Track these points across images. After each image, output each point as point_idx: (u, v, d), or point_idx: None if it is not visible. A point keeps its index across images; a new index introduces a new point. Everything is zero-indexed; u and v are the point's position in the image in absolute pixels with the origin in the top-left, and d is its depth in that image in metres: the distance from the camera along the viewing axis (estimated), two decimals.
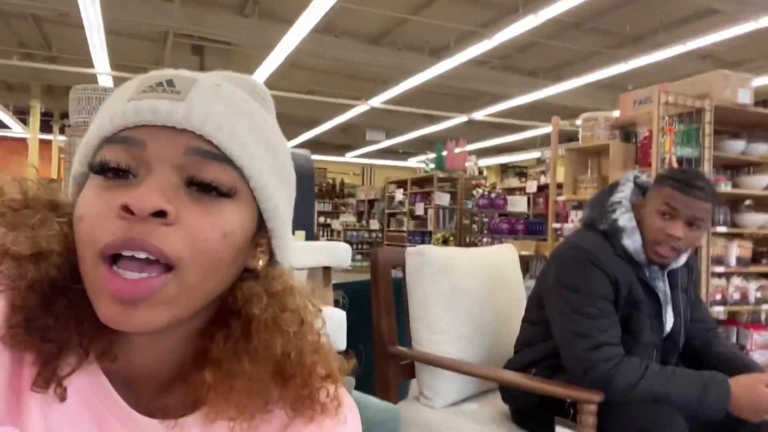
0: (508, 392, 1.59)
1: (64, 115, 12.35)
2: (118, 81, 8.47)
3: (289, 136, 13.97)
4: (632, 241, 1.45)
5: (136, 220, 0.40)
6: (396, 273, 1.81)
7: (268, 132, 0.49)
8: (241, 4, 7.10)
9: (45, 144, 12.25)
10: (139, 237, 0.40)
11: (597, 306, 1.40)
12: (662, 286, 1.50)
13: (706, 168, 3.23)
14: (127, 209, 0.40)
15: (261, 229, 0.50)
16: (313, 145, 14.31)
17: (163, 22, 7.13)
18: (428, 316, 1.68)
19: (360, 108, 10.32)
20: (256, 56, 7.80)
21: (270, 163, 0.48)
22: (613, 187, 1.58)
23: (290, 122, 12.22)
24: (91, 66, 8.07)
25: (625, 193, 1.53)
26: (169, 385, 0.50)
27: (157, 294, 0.42)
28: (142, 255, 0.41)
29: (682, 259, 1.52)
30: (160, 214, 0.41)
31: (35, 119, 10.66)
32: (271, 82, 8.52)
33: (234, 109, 0.46)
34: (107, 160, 0.43)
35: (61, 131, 12.21)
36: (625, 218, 1.47)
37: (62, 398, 0.44)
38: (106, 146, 0.44)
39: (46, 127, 12.08)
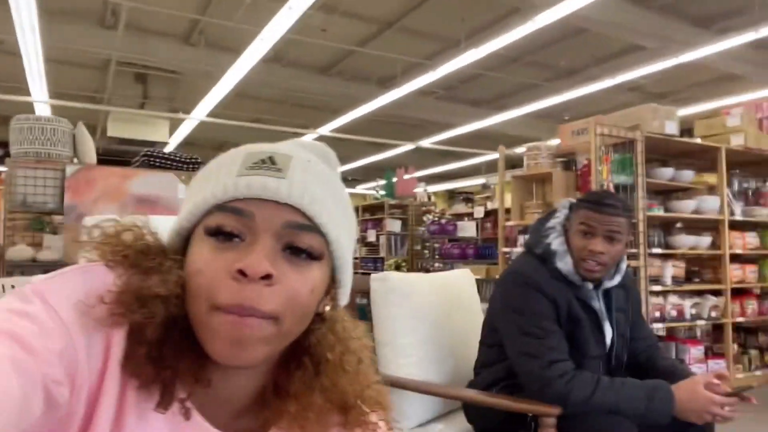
0: (472, 412, 1.66)
1: (0, 145, 11.79)
2: (57, 110, 8.19)
3: None
4: (564, 263, 1.57)
5: (248, 282, 0.49)
6: (360, 299, 1.85)
7: (343, 196, 0.59)
8: (187, 32, 7.05)
9: None
10: (249, 305, 0.49)
11: (541, 326, 1.50)
12: (598, 304, 1.61)
13: (640, 194, 3.47)
14: (242, 273, 0.49)
15: (332, 280, 0.59)
16: None
17: (106, 50, 7.00)
18: (394, 340, 1.73)
19: (309, 137, 10.38)
20: (202, 85, 7.75)
21: (345, 225, 0.57)
22: (550, 214, 1.71)
23: None
24: (28, 94, 7.77)
25: (559, 219, 1.66)
26: (241, 411, 0.58)
27: (262, 334, 0.51)
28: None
29: (616, 278, 1.64)
30: (267, 276, 0.50)
31: None
32: (217, 111, 8.47)
33: (322, 182, 0.55)
34: (223, 225, 0.51)
35: None
36: (557, 242, 1.60)
37: (187, 417, 0.53)
38: (217, 212, 0.52)
39: None
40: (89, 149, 4.10)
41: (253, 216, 0.51)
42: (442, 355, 1.81)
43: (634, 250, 3.43)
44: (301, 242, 0.53)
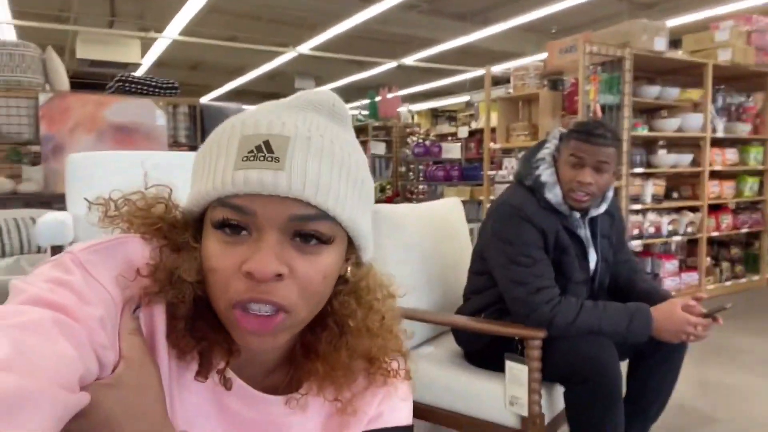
0: (461, 336, 1.74)
1: None
2: (22, 31, 7.74)
3: (214, 86, 13.39)
4: (553, 195, 1.60)
5: (259, 281, 0.50)
6: None
7: (353, 165, 0.55)
8: None
9: None
10: (263, 298, 0.51)
11: (530, 255, 1.56)
12: (584, 232, 1.67)
13: (626, 113, 3.47)
14: (251, 275, 0.50)
15: (350, 246, 0.58)
16: (240, 94, 13.78)
17: None
18: (384, 270, 1.78)
19: (288, 55, 10.01)
20: (173, 1, 7.33)
21: (357, 197, 0.55)
22: (541, 144, 1.72)
23: (214, 70, 11.69)
24: None
25: (549, 150, 1.67)
26: (272, 369, 0.62)
27: (278, 328, 0.53)
28: (268, 307, 0.51)
29: (602, 207, 1.68)
30: (277, 275, 0.50)
31: None
32: (190, 28, 8.07)
33: (327, 160, 0.52)
34: (227, 220, 0.51)
35: None
36: (546, 174, 1.62)
37: (228, 387, 0.57)
38: (220, 207, 0.52)
39: None
40: (61, 75, 3.93)
41: (255, 213, 0.51)
42: (432, 283, 1.87)
43: (618, 182, 3.48)
44: (308, 228, 0.52)
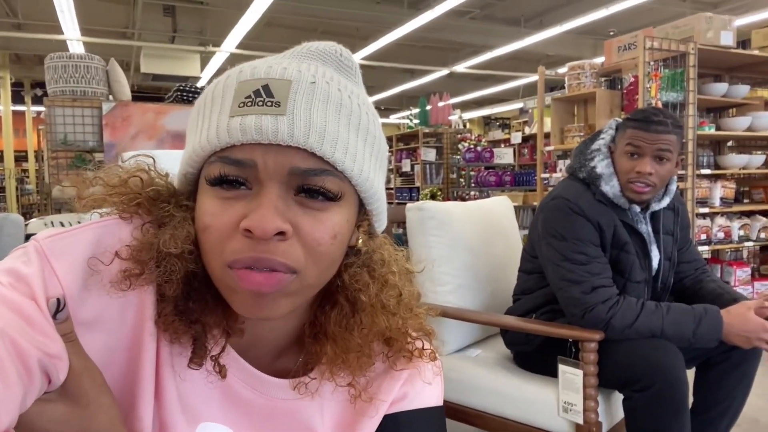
0: (511, 337, 1.66)
1: (36, 85, 11.98)
2: (89, 47, 8.20)
3: None
4: (610, 187, 1.50)
5: (260, 240, 0.44)
6: (396, 229, 1.84)
7: (363, 116, 0.49)
8: None
9: (18, 115, 11.90)
10: (265, 256, 0.44)
11: (585, 252, 1.46)
12: (645, 228, 1.55)
13: (691, 111, 3.28)
14: (250, 233, 0.44)
15: (361, 212, 0.53)
16: None
17: None
18: (431, 269, 1.72)
19: None
20: (230, 15, 7.58)
21: (368, 152, 0.50)
22: (595, 136, 1.62)
23: None
24: (60, 32, 7.78)
25: (604, 140, 1.57)
26: (282, 351, 0.57)
27: (283, 289, 0.46)
28: (268, 270, 0.45)
29: (665, 201, 1.56)
30: (279, 233, 0.44)
31: (6, 90, 10.31)
32: (247, 42, 8.32)
33: (333, 107, 0.47)
34: (224, 175, 0.46)
35: (34, 101, 11.84)
36: (602, 165, 1.52)
37: (223, 375, 0.52)
38: (216, 161, 0.46)
39: (17, 98, 11.71)
40: (123, 86, 4.11)
41: (255, 165, 0.45)
42: (480, 283, 1.80)
43: (682, 172, 3.29)
44: (314, 184, 0.46)
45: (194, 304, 0.49)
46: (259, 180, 0.45)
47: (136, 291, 0.48)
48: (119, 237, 0.48)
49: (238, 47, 8.52)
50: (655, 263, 1.57)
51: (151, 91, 9.45)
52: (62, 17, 7.10)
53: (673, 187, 1.58)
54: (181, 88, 4.40)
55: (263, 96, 0.45)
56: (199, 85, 8.14)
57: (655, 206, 1.55)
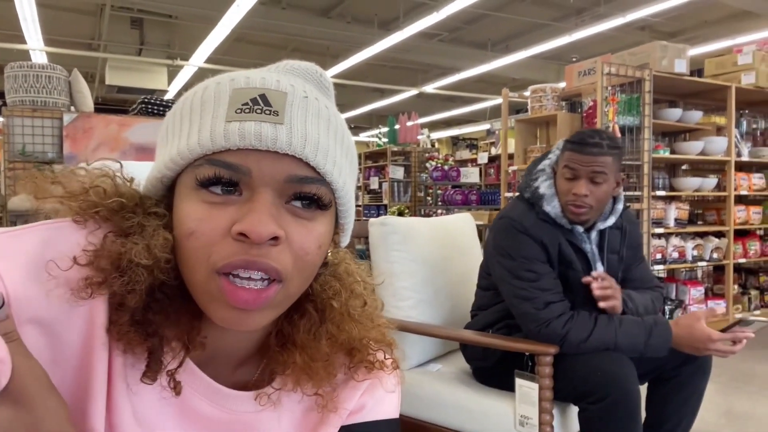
0: (470, 352, 1.68)
1: None
2: (53, 57, 8.02)
3: None
4: (552, 207, 1.53)
5: (253, 244, 0.44)
6: (358, 244, 1.85)
7: (345, 134, 0.52)
8: None
9: None
10: (258, 260, 0.44)
11: (533, 269, 1.49)
12: (589, 247, 1.58)
13: (647, 135, 3.40)
14: (244, 235, 0.44)
15: (336, 226, 0.54)
16: None
17: None
18: (393, 284, 1.74)
19: None
20: (200, 29, 7.54)
21: (349, 168, 0.52)
22: (544, 156, 1.66)
23: None
24: (23, 41, 7.61)
25: (550, 161, 1.61)
26: (242, 361, 0.56)
27: (268, 300, 0.46)
28: (259, 275, 0.45)
29: (610, 220, 1.59)
30: (274, 238, 0.45)
31: None
32: (216, 57, 8.29)
33: (324, 122, 0.49)
34: (219, 178, 0.45)
35: None
36: (545, 185, 1.56)
37: (178, 392, 0.50)
38: (207, 165, 0.45)
39: None
40: (85, 97, 4.03)
41: (248, 171, 0.45)
42: (440, 298, 1.82)
43: (638, 193, 3.40)
44: (310, 192, 0.47)
45: (154, 315, 0.48)
46: (252, 186, 0.46)
47: (80, 297, 0.45)
48: (75, 241, 0.46)
49: (206, 62, 8.47)
50: None
51: (116, 104, 9.28)
52: (25, 26, 6.96)
53: (620, 207, 1.61)
54: (147, 100, 4.33)
55: (261, 104, 0.46)
56: (165, 98, 8.04)
57: (601, 225, 1.58)
